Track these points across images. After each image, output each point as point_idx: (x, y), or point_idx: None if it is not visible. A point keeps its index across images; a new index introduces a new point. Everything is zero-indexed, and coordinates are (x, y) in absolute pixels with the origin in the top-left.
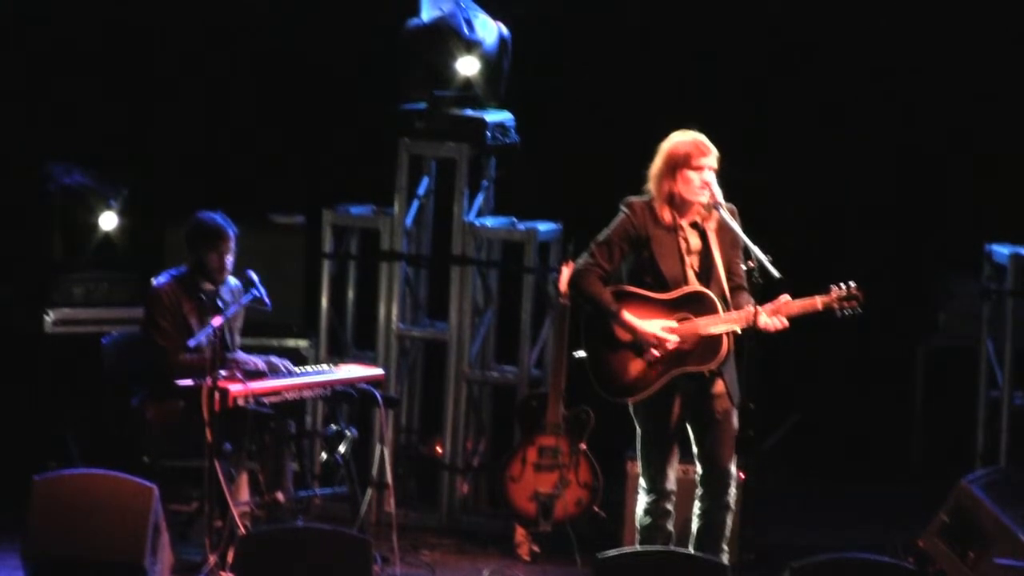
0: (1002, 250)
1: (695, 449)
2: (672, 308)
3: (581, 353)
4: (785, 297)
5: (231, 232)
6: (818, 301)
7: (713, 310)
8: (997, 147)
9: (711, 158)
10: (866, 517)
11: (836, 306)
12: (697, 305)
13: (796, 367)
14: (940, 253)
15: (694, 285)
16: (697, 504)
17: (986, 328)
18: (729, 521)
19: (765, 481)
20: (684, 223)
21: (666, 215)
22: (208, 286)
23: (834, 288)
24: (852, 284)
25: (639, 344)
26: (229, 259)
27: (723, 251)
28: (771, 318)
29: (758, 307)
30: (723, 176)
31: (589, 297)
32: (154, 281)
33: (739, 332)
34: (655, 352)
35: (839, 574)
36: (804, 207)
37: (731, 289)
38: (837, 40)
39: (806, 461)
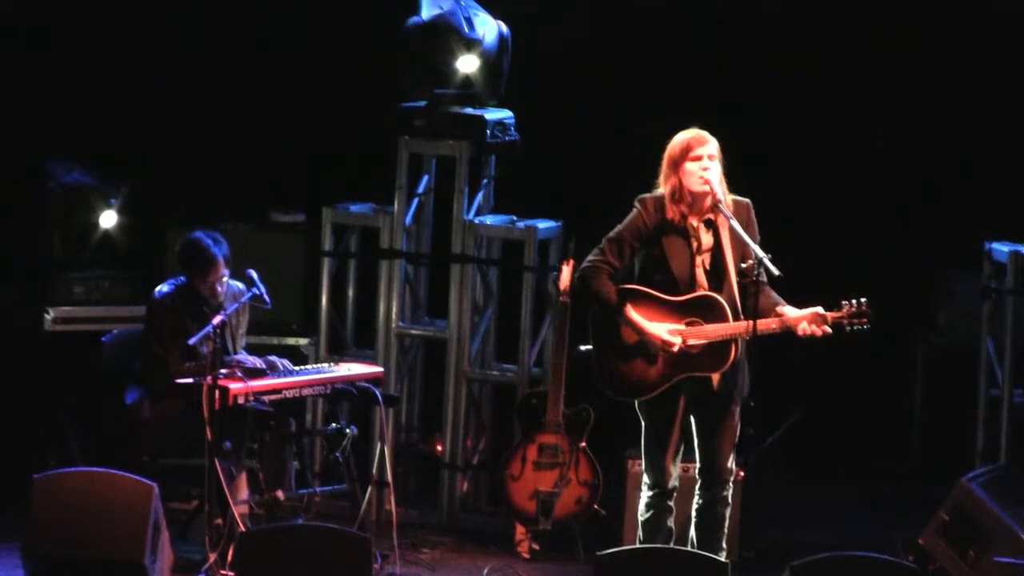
0: (1002, 248)
1: (696, 442)
2: (682, 311)
3: (587, 347)
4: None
5: (220, 259)
6: (828, 316)
7: (723, 316)
8: (997, 147)
9: (709, 146)
10: (866, 516)
11: (845, 323)
12: (707, 310)
13: (796, 366)
14: (940, 252)
15: (705, 289)
16: (696, 499)
17: (986, 327)
18: (727, 517)
19: (765, 480)
20: (696, 222)
21: (675, 213)
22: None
23: (845, 304)
24: (863, 300)
25: (646, 346)
26: (219, 286)
27: (735, 250)
28: (811, 326)
29: (758, 320)
30: (729, 173)
31: (597, 295)
32: (156, 291)
33: (746, 339)
34: (661, 355)
35: (839, 573)
36: (804, 207)
37: (747, 286)
38: (837, 39)
39: (806, 460)
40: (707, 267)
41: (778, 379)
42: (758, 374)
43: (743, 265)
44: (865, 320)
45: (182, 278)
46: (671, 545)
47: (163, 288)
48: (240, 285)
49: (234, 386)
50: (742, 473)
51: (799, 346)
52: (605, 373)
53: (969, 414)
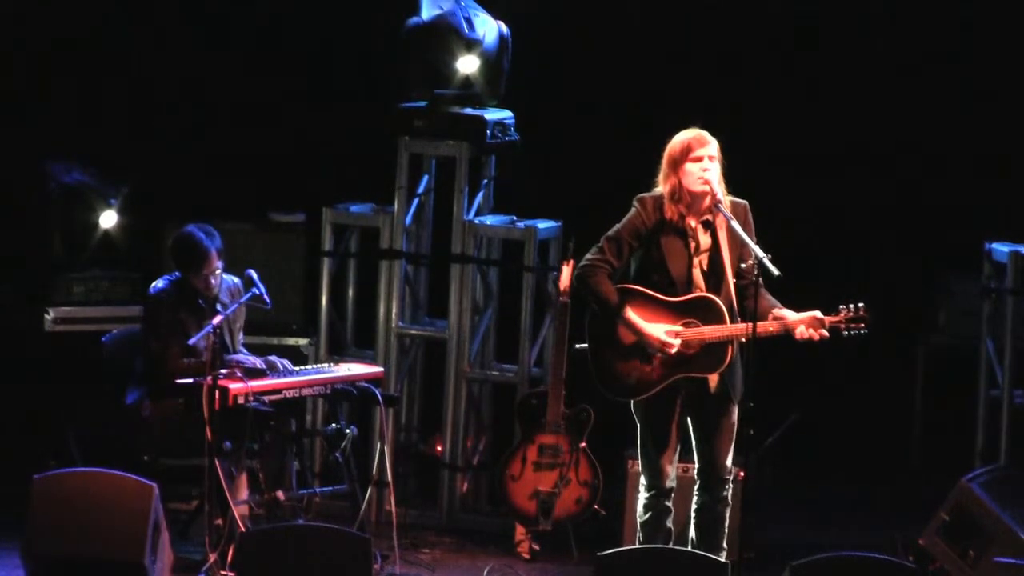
0: (1002, 248)
1: (694, 443)
2: (679, 312)
3: (583, 345)
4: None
5: (212, 251)
6: (826, 320)
7: (720, 318)
8: (997, 147)
9: (710, 147)
10: (866, 516)
11: (843, 327)
12: (704, 312)
13: (796, 367)
14: (940, 252)
15: (702, 290)
16: (695, 499)
17: (986, 327)
18: (727, 517)
19: (765, 479)
20: (695, 222)
21: (674, 213)
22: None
23: (843, 309)
24: (861, 305)
25: (643, 346)
26: (213, 279)
27: (733, 251)
28: (808, 330)
29: (756, 322)
30: (729, 173)
31: (595, 294)
32: (151, 287)
33: (743, 342)
34: (658, 356)
35: (839, 573)
36: (804, 206)
37: (744, 287)
38: (837, 38)
39: (806, 460)
40: (704, 268)
41: (777, 379)
42: (757, 374)
43: (743, 265)
44: (862, 325)
45: (177, 273)
46: (671, 546)
47: (158, 283)
48: (235, 279)
49: (234, 386)
50: (742, 473)
51: (798, 346)
52: (602, 372)
53: (969, 414)
